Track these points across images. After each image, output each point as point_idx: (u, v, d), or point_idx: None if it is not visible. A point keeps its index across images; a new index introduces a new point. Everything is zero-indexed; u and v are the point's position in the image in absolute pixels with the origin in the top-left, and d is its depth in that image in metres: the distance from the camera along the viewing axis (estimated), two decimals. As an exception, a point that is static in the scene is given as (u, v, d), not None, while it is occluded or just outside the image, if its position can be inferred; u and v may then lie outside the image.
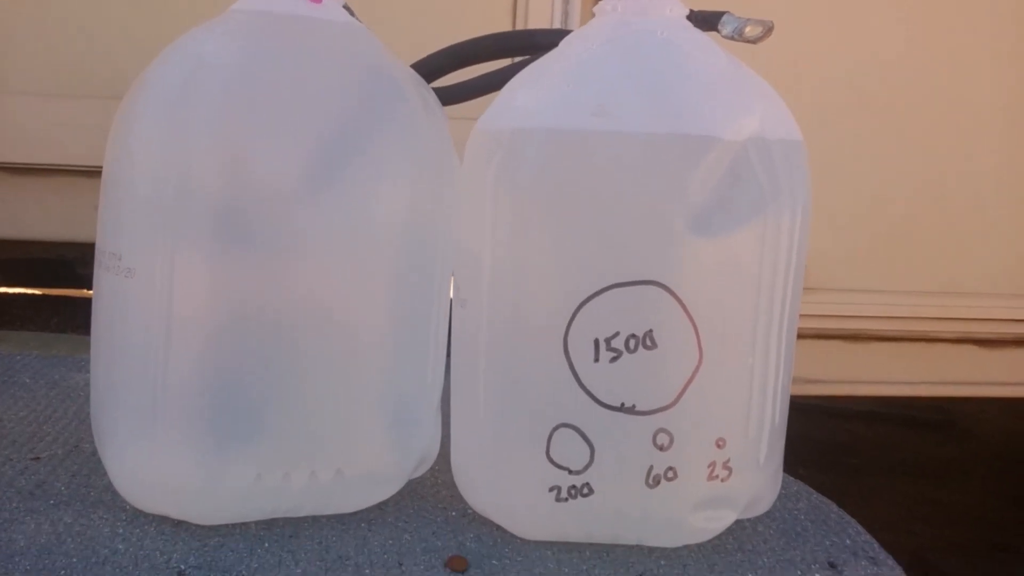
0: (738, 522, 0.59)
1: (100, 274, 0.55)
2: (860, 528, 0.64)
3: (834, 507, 0.67)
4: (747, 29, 0.59)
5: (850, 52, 1.13)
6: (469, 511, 0.59)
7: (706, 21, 0.59)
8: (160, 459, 0.52)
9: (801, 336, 1.13)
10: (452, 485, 0.60)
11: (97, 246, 0.56)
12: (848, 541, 0.61)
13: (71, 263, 1.12)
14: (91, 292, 0.57)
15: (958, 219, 1.15)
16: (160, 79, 0.54)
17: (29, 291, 1.25)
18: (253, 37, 0.56)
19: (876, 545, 0.62)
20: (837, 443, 2.38)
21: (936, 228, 1.14)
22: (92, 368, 0.56)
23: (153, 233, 0.52)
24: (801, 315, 1.11)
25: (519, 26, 1.01)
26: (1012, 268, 1.17)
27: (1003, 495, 2.13)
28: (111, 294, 0.53)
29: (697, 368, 0.53)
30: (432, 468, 0.62)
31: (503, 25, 1.02)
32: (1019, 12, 1.15)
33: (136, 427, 0.53)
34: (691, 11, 0.59)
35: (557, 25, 0.99)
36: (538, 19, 1.01)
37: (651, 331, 0.52)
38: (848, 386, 1.17)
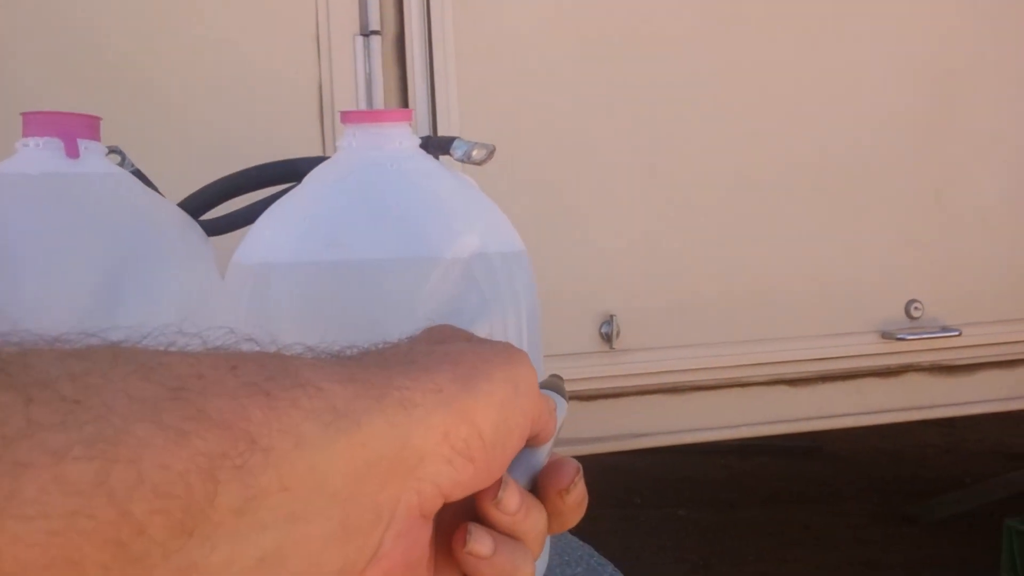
0: (514, 595, 0.64)
1: None
2: (629, 585, 0.70)
3: (609, 568, 0.73)
4: (474, 152, 0.67)
5: (647, 115, 1.24)
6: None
7: (440, 147, 0.67)
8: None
9: (624, 394, 1.22)
10: None
11: None
12: (617, 599, 0.68)
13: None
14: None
15: (753, 271, 1.26)
16: (-83, 249, 0.58)
17: None
18: (9, 199, 0.60)
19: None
20: (713, 480, 2.49)
21: (733, 280, 1.25)
22: None
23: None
24: (621, 375, 1.20)
25: (329, 149, 1.08)
26: (810, 311, 1.29)
27: (869, 514, 2.27)
28: None
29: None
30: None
31: (313, 147, 1.09)
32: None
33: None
34: (425, 139, 0.66)
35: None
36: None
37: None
38: (675, 436, 1.26)
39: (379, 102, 1.10)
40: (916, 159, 1.33)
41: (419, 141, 0.66)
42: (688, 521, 2.11)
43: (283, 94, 1.10)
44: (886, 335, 1.29)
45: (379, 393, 0.29)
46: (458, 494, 0.31)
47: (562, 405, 0.41)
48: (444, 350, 0.33)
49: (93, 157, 0.64)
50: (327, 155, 0.99)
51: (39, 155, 0.62)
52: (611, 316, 1.19)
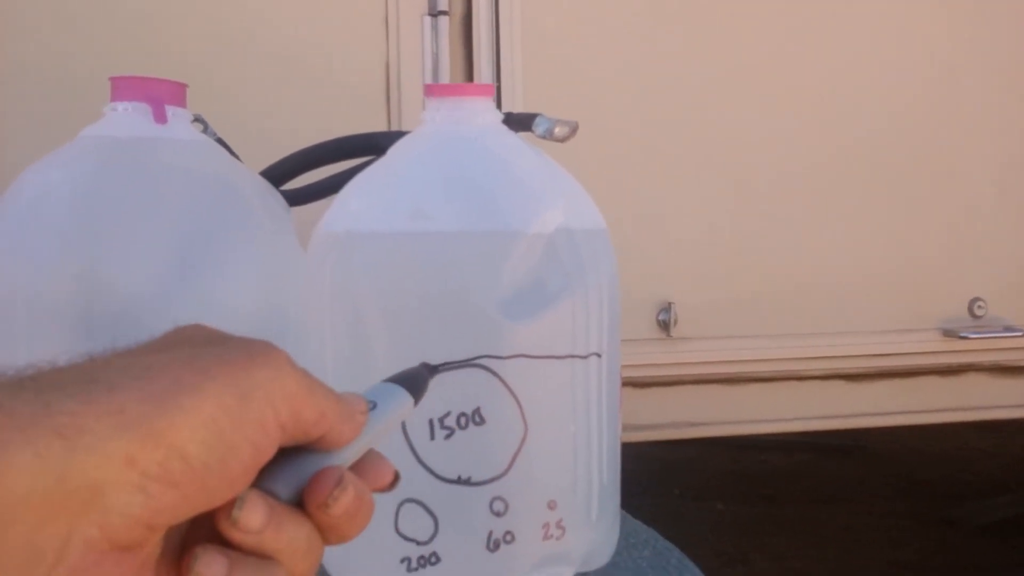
0: (583, 575, 0.64)
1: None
2: (698, 571, 0.70)
3: (676, 552, 0.73)
4: (556, 129, 0.66)
5: (706, 106, 1.23)
6: (335, 585, 0.63)
7: (521, 123, 0.66)
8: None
9: (680, 383, 1.21)
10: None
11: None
12: (685, 583, 0.67)
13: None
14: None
15: (814, 264, 1.24)
16: (9, 206, 0.59)
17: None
18: (99, 161, 0.61)
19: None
20: (752, 475, 2.47)
21: (794, 273, 1.23)
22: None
23: (11, 350, 0.56)
24: (678, 363, 1.19)
25: (394, 127, 1.08)
26: (870, 307, 1.27)
27: (910, 514, 2.24)
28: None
29: (523, 439, 0.59)
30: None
31: (380, 125, 1.09)
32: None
33: None
34: (508, 114, 0.66)
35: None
36: (411, 119, 1.09)
37: (479, 408, 0.58)
38: (729, 426, 1.24)
39: (445, 82, 1.10)
40: (981, 153, 1.30)
41: (501, 116, 0.66)
42: (727, 514, 2.09)
43: (351, 73, 1.10)
44: (948, 333, 1.27)
45: (26, 423, 0.26)
46: (170, 520, 0.28)
47: (397, 402, 0.38)
48: (150, 362, 0.30)
49: (180, 123, 0.65)
50: (401, 131, 0.99)
51: (128, 119, 0.63)
52: (669, 304, 1.18)
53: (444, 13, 1.10)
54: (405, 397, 0.39)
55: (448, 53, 1.11)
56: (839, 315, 1.25)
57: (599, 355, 0.62)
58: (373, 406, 0.36)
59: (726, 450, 2.34)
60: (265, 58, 1.07)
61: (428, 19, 1.10)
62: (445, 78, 1.11)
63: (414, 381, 0.40)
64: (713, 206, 1.21)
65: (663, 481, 2.05)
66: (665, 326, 1.18)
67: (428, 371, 0.42)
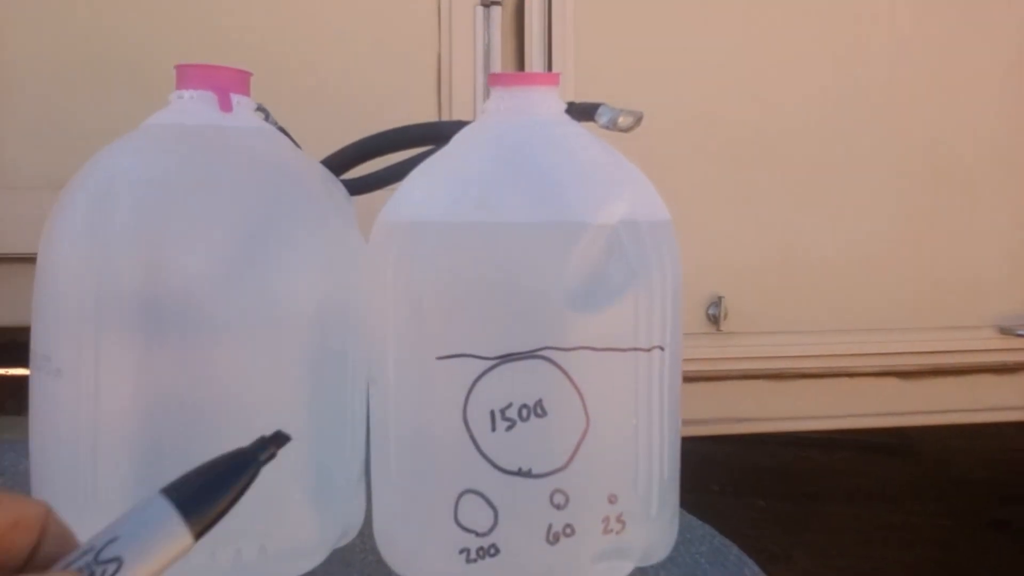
0: (641, 570, 0.63)
1: (33, 374, 0.59)
2: (756, 569, 0.69)
3: (735, 549, 0.72)
4: (620, 119, 0.65)
5: (757, 101, 1.21)
6: (392, 575, 0.64)
7: (584, 113, 0.66)
8: (91, 546, 0.56)
9: (728, 378, 1.20)
10: (377, 551, 0.64)
11: (31, 348, 0.60)
12: (744, 580, 0.66)
13: (23, 346, 1.15)
14: (20, 371, 0.61)
15: (867, 259, 1.22)
16: (80, 191, 0.59)
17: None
18: (166, 148, 0.61)
19: (768, 583, 0.67)
20: (795, 472, 2.44)
21: (846, 268, 1.21)
22: (31, 462, 0.60)
23: (78, 335, 0.57)
24: (726, 358, 1.18)
25: (445, 117, 1.08)
26: (925, 303, 1.24)
27: (954, 515, 2.20)
28: (43, 394, 0.58)
29: (585, 432, 0.58)
30: (361, 535, 0.67)
31: (430, 115, 1.09)
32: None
33: (71, 517, 0.57)
34: (570, 104, 0.65)
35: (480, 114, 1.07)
36: (462, 109, 1.09)
37: (541, 400, 0.58)
38: (777, 423, 1.23)
39: (496, 72, 1.09)
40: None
41: (565, 106, 0.65)
42: (768, 512, 2.07)
43: (403, 64, 1.10)
44: (1005, 330, 1.24)
45: None
46: None
47: (154, 546, 0.28)
48: None
49: (244, 112, 0.65)
50: (463, 120, 0.99)
51: (194, 107, 0.63)
52: (719, 298, 1.16)
53: (496, 3, 1.10)
54: (173, 530, 0.28)
55: (500, 43, 1.10)
56: (893, 311, 1.23)
57: (662, 348, 0.61)
58: (116, 568, 0.26)
59: (766, 446, 2.31)
60: (317, 48, 1.08)
61: (480, 9, 1.09)
62: (497, 68, 1.10)
63: (203, 492, 0.28)
64: (765, 199, 1.19)
65: (702, 477, 2.04)
66: (715, 320, 1.16)
67: (241, 465, 0.29)
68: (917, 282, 1.24)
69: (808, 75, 1.20)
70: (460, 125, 0.68)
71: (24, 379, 1.27)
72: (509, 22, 1.12)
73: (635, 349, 0.59)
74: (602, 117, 0.65)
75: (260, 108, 0.68)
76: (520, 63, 1.12)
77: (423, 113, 1.09)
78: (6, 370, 1.29)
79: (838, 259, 1.21)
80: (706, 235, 1.16)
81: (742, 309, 1.16)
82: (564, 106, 0.65)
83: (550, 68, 1.10)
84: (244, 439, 0.59)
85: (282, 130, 0.69)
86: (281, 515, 0.60)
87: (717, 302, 1.16)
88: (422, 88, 1.10)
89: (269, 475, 0.60)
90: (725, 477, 2.31)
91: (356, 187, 0.70)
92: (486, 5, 1.10)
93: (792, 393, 1.22)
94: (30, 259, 0.61)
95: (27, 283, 1.08)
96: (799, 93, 1.20)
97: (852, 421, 1.25)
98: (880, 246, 1.24)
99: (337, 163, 0.71)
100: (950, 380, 1.26)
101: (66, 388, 0.56)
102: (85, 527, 0.57)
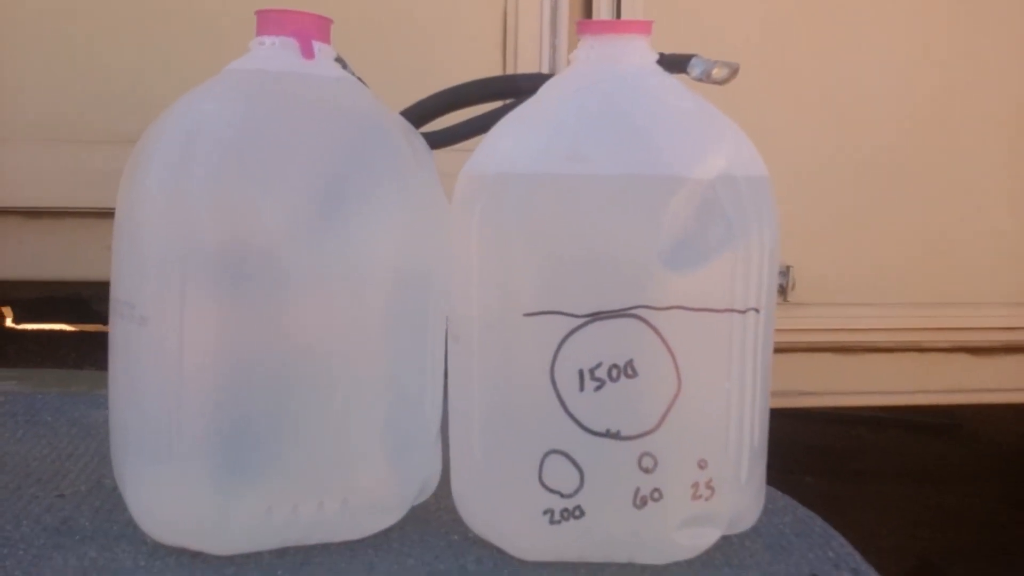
0: (726, 538, 0.62)
1: (115, 321, 0.59)
2: (843, 540, 0.67)
3: (819, 521, 0.70)
4: (714, 71, 0.63)
5: (836, 68, 1.17)
6: (470, 534, 0.62)
7: (676, 64, 0.63)
8: (176, 495, 0.56)
9: (793, 350, 1.17)
10: (454, 510, 0.63)
11: (111, 294, 0.59)
12: (831, 554, 0.64)
13: (87, 300, 1.16)
14: (106, 328, 0.61)
15: (941, 231, 1.18)
16: (163, 138, 0.58)
17: (47, 327, 1.30)
18: (249, 95, 0.60)
19: (858, 557, 0.64)
20: (842, 449, 2.40)
21: (920, 239, 1.17)
22: (111, 410, 0.60)
23: (163, 283, 0.56)
24: (793, 329, 1.15)
25: (509, 70, 1.05)
26: (1000, 277, 1.20)
27: (1007, 498, 2.15)
28: (126, 341, 0.57)
29: (676, 394, 0.56)
30: (435, 494, 0.66)
31: (494, 69, 1.06)
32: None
33: (153, 465, 0.56)
34: (661, 55, 0.62)
35: (545, 68, 1.04)
36: (527, 63, 1.06)
37: (632, 360, 0.56)
38: (842, 397, 1.20)
39: (564, 27, 1.07)
40: None
41: (656, 56, 0.62)
42: (815, 489, 2.03)
43: (468, 17, 1.07)
44: (1084, 308, 1.19)
45: None
46: None
47: None
48: None
49: (325, 60, 0.63)
50: (548, 72, 0.96)
51: (276, 54, 0.62)
52: (787, 267, 1.13)
53: (565, -45, 1.07)
54: None
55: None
56: (967, 285, 1.19)
57: (757, 311, 0.59)
58: None
59: (814, 423, 2.28)
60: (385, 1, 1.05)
61: (549, -39, 1.06)
62: (564, 22, 1.07)
63: None
64: (837, 167, 1.15)
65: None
66: (782, 290, 1.13)
67: None
68: (993, 255, 1.20)
69: (885, 39, 1.16)
70: (539, 78, 0.66)
71: (84, 335, 1.28)
72: (577, -26, 1.08)
73: (730, 311, 0.57)
74: (695, 69, 0.62)
75: (338, 58, 0.66)
76: (588, 15, 1.09)
77: (489, 66, 1.06)
78: (66, 326, 1.31)
79: (911, 229, 1.17)
80: (776, 201, 1.12)
81: (812, 279, 1.13)
82: (655, 56, 0.62)
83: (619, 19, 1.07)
84: (323, 393, 0.59)
85: (360, 80, 0.67)
86: (363, 470, 0.59)
87: (785, 271, 1.13)
88: (488, 41, 1.07)
89: (351, 429, 0.59)
90: (772, 452, 2.27)
91: (435, 140, 0.68)
92: (554, -43, 1.06)
93: (859, 367, 1.18)
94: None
95: (88, 238, 1.08)
96: (877, 57, 1.15)
97: (922, 397, 1.22)
98: (952, 216, 1.19)
99: (415, 116, 0.69)
100: (1021, 358, 1.22)
101: (151, 336, 0.56)
102: (164, 474, 0.57)
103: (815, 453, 2.29)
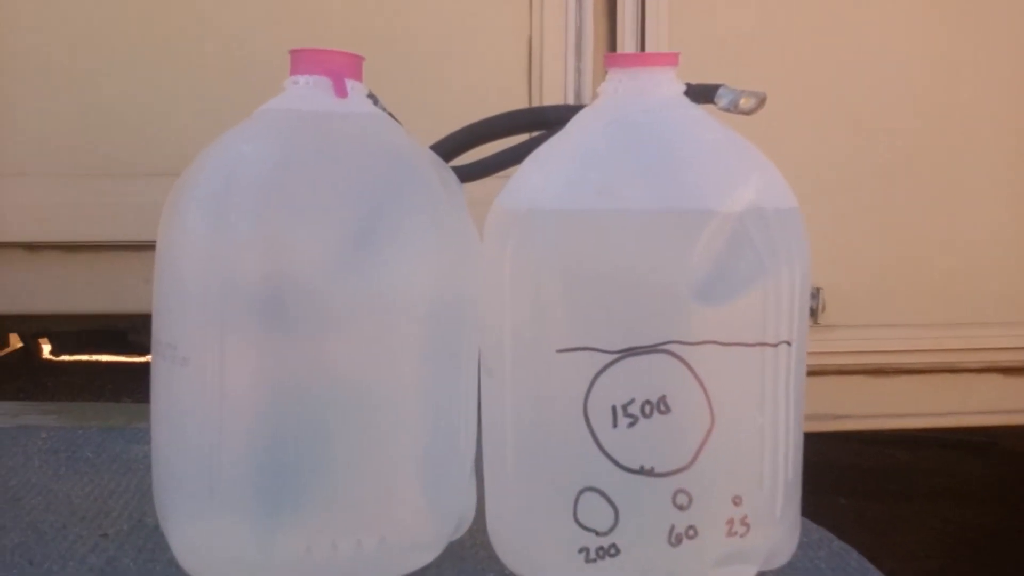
0: (762, 574, 0.61)
1: (157, 362, 0.60)
2: (879, 574, 0.66)
3: (854, 554, 0.69)
4: (742, 101, 0.63)
5: (857, 86, 1.16)
6: (506, 572, 0.62)
7: (703, 95, 0.63)
8: (217, 535, 0.56)
9: (825, 373, 1.16)
10: (489, 547, 0.63)
11: (153, 335, 0.60)
12: (868, 586, 0.63)
13: (123, 332, 1.18)
14: (142, 358, 0.62)
15: (973, 250, 1.16)
16: (200, 180, 0.59)
17: (84, 359, 1.32)
18: (285, 135, 0.61)
19: (895, 590, 0.64)
20: (878, 470, 2.37)
21: (951, 260, 1.16)
22: (152, 449, 0.61)
23: (204, 323, 0.57)
24: (824, 352, 1.14)
25: (535, 102, 1.06)
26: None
27: (1048, 516, 2.10)
28: (168, 381, 0.58)
29: (710, 430, 0.56)
30: (471, 529, 0.66)
31: (520, 99, 1.07)
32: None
33: (194, 505, 0.57)
34: (688, 86, 0.63)
35: (571, 97, 1.05)
36: (552, 92, 1.07)
37: (664, 396, 0.56)
38: (875, 420, 1.18)
39: (588, 57, 1.07)
40: None
41: (683, 87, 0.63)
42: (850, 510, 2.00)
43: (495, 48, 1.08)
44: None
45: None
46: None
47: None
48: None
49: (358, 97, 0.64)
50: (575, 104, 0.97)
51: (310, 92, 0.63)
52: (817, 289, 1.12)
53: (589, -15, 1.08)
54: None
55: (592, 26, 1.08)
56: (997, 304, 1.17)
57: (789, 343, 0.58)
58: None
59: (847, 443, 2.25)
60: (411, 34, 1.07)
61: (574, -8, 1.07)
62: (588, 53, 1.08)
63: None
64: (866, 186, 1.15)
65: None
66: (812, 313, 1.12)
67: None
68: (1022, 274, 1.18)
69: (909, 59, 1.15)
70: (567, 110, 0.66)
71: (120, 366, 1.30)
72: (601, 5, 1.09)
73: (762, 344, 0.57)
74: (722, 99, 0.63)
75: (370, 94, 0.67)
76: (612, 47, 1.09)
77: (514, 96, 1.07)
78: (102, 357, 1.33)
79: (942, 249, 1.16)
80: (805, 223, 1.12)
81: (842, 301, 1.12)
82: (683, 88, 0.62)
83: (643, 51, 1.07)
84: (361, 429, 0.59)
85: (392, 116, 0.68)
86: (400, 507, 0.60)
87: (816, 293, 1.12)
88: (513, 71, 1.08)
89: (388, 465, 0.59)
90: (806, 474, 2.24)
91: (465, 174, 0.69)
92: (579, -12, 1.07)
93: (890, 390, 1.17)
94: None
95: (124, 271, 1.10)
96: (904, 79, 1.14)
97: (954, 419, 1.20)
98: (983, 236, 1.18)
99: (445, 150, 0.70)
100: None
101: (192, 377, 0.56)
102: (205, 513, 0.58)
103: (849, 474, 2.25)
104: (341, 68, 0.63)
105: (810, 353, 1.13)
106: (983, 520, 2.13)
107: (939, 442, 2.49)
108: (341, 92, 0.63)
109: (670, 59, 0.62)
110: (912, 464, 2.47)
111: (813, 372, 1.15)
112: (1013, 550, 1.99)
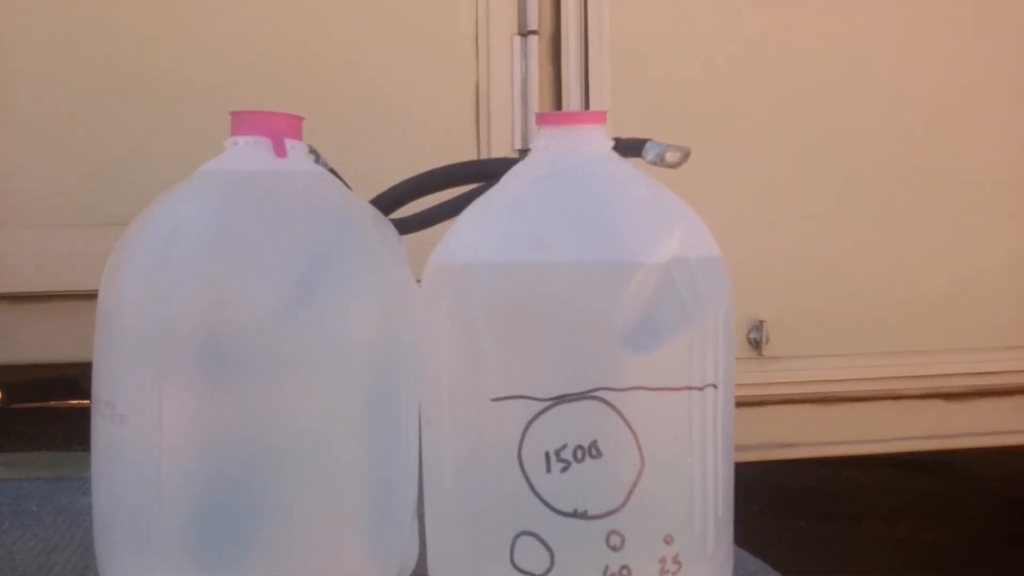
0: (697, 608, 0.63)
1: (97, 421, 0.60)
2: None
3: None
4: (667, 155, 0.66)
5: (803, 126, 1.21)
6: (448, 614, 0.64)
7: (630, 149, 0.66)
8: (157, 590, 0.57)
9: (771, 403, 1.19)
10: (432, 590, 0.64)
11: (92, 392, 0.61)
12: (802, 617, 0.66)
13: (74, 379, 1.18)
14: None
15: (912, 281, 1.21)
16: (141, 240, 0.61)
17: (33, 406, 1.31)
18: (224, 194, 0.63)
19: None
20: (834, 491, 2.41)
21: (893, 289, 1.20)
22: (93, 505, 0.61)
23: (142, 380, 0.58)
24: (769, 383, 1.17)
25: (483, 150, 1.09)
26: (969, 324, 1.22)
27: (1000, 536, 2.15)
28: (107, 440, 0.59)
29: (640, 472, 0.58)
30: (414, 573, 0.67)
31: (468, 148, 1.10)
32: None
33: (134, 561, 0.58)
34: (617, 141, 0.66)
35: (518, 146, 1.08)
36: (500, 141, 1.09)
37: (595, 441, 0.58)
38: (822, 448, 1.22)
39: (534, 103, 1.10)
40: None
41: (612, 143, 0.65)
42: (809, 533, 2.04)
43: (441, 97, 1.11)
44: (1053, 351, 1.22)
45: None
46: None
47: None
48: None
49: (297, 156, 0.66)
50: (486, 155, 1.00)
51: (249, 153, 0.65)
52: (761, 322, 1.16)
53: (534, 33, 1.11)
54: None
55: (537, 73, 1.11)
56: (938, 332, 1.21)
57: (715, 386, 0.61)
58: None
59: (805, 466, 2.29)
60: (355, 79, 1.09)
61: (518, 39, 1.10)
62: (534, 99, 1.11)
63: None
64: (806, 220, 1.19)
65: (741, 499, 2.00)
66: (756, 345, 1.16)
67: None
68: (963, 302, 1.23)
69: (846, 89, 1.20)
70: (506, 163, 0.69)
71: (71, 411, 1.29)
72: (546, 52, 1.13)
73: (688, 388, 0.59)
74: (649, 153, 0.66)
75: (312, 150, 0.69)
76: (557, 92, 1.13)
77: (462, 143, 1.10)
78: (53, 404, 1.32)
79: (882, 278, 1.20)
80: (746, 257, 1.15)
81: (785, 333, 1.15)
82: (611, 143, 0.65)
83: (587, 97, 1.11)
84: (301, 479, 0.60)
85: (332, 171, 0.70)
86: (341, 553, 0.61)
87: (759, 326, 1.16)
88: (461, 118, 1.11)
89: (329, 514, 0.61)
90: (765, 498, 2.28)
91: (404, 226, 0.71)
92: (523, 35, 1.11)
93: (835, 417, 1.20)
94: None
95: (73, 320, 1.09)
96: (840, 108, 1.19)
97: (898, 445, 1.24)
98: (922, 264, 1.22)
99: (386, 203, 0.72)
100: (996, 401, 1.24)
101: (131, 435, 0.57)
102: (145, 568, 0.58)
103: (807, 496, 2.29)
104: (280, 128, 0.65)
105: (756, 384, 1.17)
106: (939, 538, 2.18)
107: (894, 462, 2.54)
108: (280, 152, 0.65)
109: (598, 117, 0.65)
110: (868, 485, 2.52)
111: (760, 402, 1.19)
112: (971, 568, 2.03)
